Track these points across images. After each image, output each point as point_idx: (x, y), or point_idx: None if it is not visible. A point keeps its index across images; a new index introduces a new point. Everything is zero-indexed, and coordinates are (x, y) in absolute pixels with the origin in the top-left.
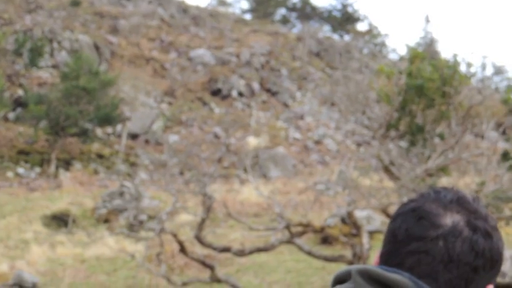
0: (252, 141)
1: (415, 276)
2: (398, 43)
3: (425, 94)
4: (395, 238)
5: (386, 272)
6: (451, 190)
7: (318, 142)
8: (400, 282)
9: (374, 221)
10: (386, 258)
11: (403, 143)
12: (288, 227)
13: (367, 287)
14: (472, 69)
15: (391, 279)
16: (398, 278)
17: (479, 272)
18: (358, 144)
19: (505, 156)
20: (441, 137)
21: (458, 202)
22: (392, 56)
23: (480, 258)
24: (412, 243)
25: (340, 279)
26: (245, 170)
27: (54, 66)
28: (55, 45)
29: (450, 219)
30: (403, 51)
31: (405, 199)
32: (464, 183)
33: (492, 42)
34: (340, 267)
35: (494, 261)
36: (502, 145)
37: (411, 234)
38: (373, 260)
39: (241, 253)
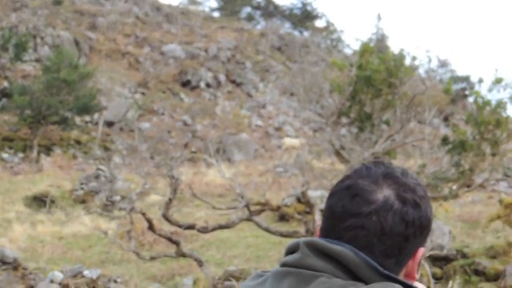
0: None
1: (344, 241)
2: (353, 38)
3: (373, 85)
4: (333, 214)
5: (331, 243)
6: (381, 165)
7: (278, 129)
8: (342, 252)
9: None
10: (327, 233)
11: (353, 129)
12: (247, 206)
13: (312, 256)
14: (416, 62)
15: (334, 249)
16: (341, 248)
17: (410, 240)
18: (314, 131)
19: (444, 140)
20: (387, 123)
21: (388, 176)
22: (347, 51)
23: (410, 227)
24: (349, 219)
25: (291, 250)
26: (210, 155)
27: (38, 60)
28: (38, 40)
29: (381, 194)
30: (356, 46)
31: None
32: (408, 165)
33: (438, 38)
34: None
35: (424, 227)
36: (443, 130)
37: (347, 211)
38: None
39: (204, 230)
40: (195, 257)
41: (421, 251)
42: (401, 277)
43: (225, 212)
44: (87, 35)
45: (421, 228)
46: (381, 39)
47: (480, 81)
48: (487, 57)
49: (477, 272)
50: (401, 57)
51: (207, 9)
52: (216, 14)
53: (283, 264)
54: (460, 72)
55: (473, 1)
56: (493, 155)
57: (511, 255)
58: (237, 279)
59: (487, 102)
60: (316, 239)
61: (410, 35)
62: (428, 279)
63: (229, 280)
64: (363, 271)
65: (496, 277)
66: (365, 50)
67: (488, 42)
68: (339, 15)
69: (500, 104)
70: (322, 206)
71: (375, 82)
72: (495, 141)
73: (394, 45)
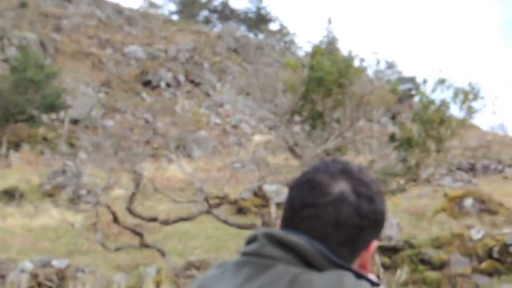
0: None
1: (301, 231)
2: (305, 41)
3: (325, 85)
4: (292, 206)
5: (287, 234)
6: (339, 162)
7: (235, 126)
8: (297, 242)
9: (282, 194)
10: (286, 224)
11: (306, 127)
12: (207, 199)
13: (270, 246)
14: (365, 64)
15: (290, 240)
16: (296, 239)
17: (364, 232)
18: (270, 128)
19: (392, 137)
20: (338, 121)
21: (345, 172)
22: (300, 52)
23: (365, 219)
24: (306, 210)
25: (250, 240)
26: (171, 151)
27: (5, 61)
28: (5, 42)
29: (337, 187)
30: (308, 48)
31: None
32: (358, 161)
33: (385, 41)
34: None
35: (378, 221)
36: (391, 128)
37: (305, 202)
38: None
39: (166, 222)
40: (158, 247)
41: (375, 244)
42: (355, 267)
43: (185, 205)
44: (52, 37)
45: (375, 221)
46: (331, 42)
47: (425, 81)
48: (431, 59)
49: (423, 262)
50: (350, 59)
51: (166, 13)
52: (175, 17)
53: (243, 254)
54: (406, 73)
55: (417, 7)
56: (438, 151)
57: (455, 245)
58: (198, 268)
59: (432, 102)
60: (274, 230)
61: (359, 38)
62: (377, 268)
63: (190, 269)
64: (318, 260)
65: (441, 266)
66: (316, 52)
67: (432, 46)
68: (291, 18)
69: (444, 103)
70: (278, 199)
71: (326, 82)
72: (439, 138)
73: (343, 48)
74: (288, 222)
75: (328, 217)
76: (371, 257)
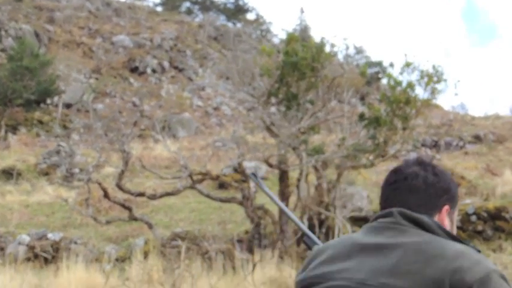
0: None
1: (392, 204)
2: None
3: (299, 69)
4: (382, 190)
5: (412, 213)
6: (414, 157)
7: (216, 108)
8: (423, 218)
9: (260, 170)
10: (384, 203)
11: (281, 108)
12: (190, 175)
13: (402, 220)
14: (335, 49)
15: (416, 216)
16: (421, 216)
17: (432, 196)
18: (248, 110)
19: (361, 117)
20: (311, 102)
21: (417, 161)
22: (275, 40)
23: (430, 186)
24: (391, 186)
25: (384, 215)
26: (157, 132)
27: (3, 50)
28: (3, 33)
29: (411, 169)
30: (283, 36)
31: (283, 151)
32: (331, 139)
33: (354, 28)
34: (232, 206)
35: (444, 189)
36: (360, 108)
37: (389, 182)
38: (258, 201)
39: (153, 197)
40: (146, 220)
41: (446, 208)
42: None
43: (171, 181)
44: (46, 28)
45: (441, 189)
46: (304, 30)
47: (391, 65)
48: (397, 45)
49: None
50: (322, 44)
51: (151, 4)
52: (159, 8)
53: (379, 223)
54: (374, 58)
55: None
56: (404, 129)
57: None
58: (183, 239)
59: (399, 83)
60: (405, 210)
61: (330, 25)
62: None
63: (176, 240)
64: (438, 231)
65: None
66: (291, 38)
67: (397, 32)
68: (267, 8)
69: (410, 85)
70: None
71: (300, 66)
72: (405, 117)
73: (316, 35)
74: (381, 201)
75: (404, 187)
76: (447, 221)
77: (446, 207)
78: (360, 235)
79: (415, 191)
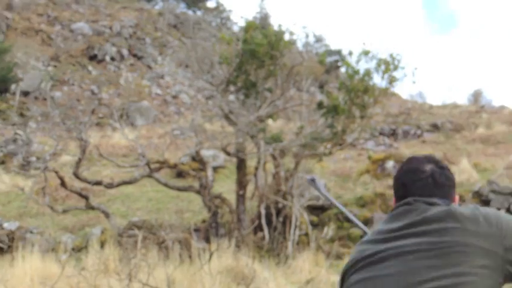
0: None
1: (420, 195)
2: (240, 17)
3: (257, 57)
4: (405, 184)
5: (429, 198)
6: (421, 155)
7: (175, 97)
8: (434, 200)
9: (218, 158)
10: (403, 195)
11: (240, 96)
12: (148, 164)
13: (420, 204)
14: (294, 37)
15: (430, 200)
16: (433, 199)
17: (450, 188)
18: (207, 98)
19: (319, 105)
20: (270, 90)
21: (426, 159)
22: (235, 28)
23: (449, 181)
24: (416, 183)
25: (402, 205)
26: (115, 120)
27: None
28: None
29: (427, 167)
30: (243, 24)
31: (240, 140)
32: (289, 127)
33: (313, 16)
34: (190, 195)
35: (454, 183)
36: (319, 97)
37: (413, 179)
38: (216, 189)
39: (110, 186)
40: (102, 209)
41: (457, 198)
42: None
43: (128, 170)
44: (4, 15)
45: (454, 183)
46: (264, 18)
47: (350, 53)
48: (357, 33)
49: (348, 219)
50: (281, 32)
51: None
52: None
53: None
54: (333, 46)
55: None
56: (362, 117)
57: (377, 204)
58: (140, 228)
59: (357, 72)
60: (417, 197)
61: (290, 13)
62: (306, 226)
63: (133, 229)
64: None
65: (365, 223)
66: (249, 26)
67: (357, 21)
68: None
69: (368, 73)
70: (214, 163)
71: (259, 54)
72: (363, 105)
73: (276, 23)
74: (405, 194)
75: (432, 183)
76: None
77: (456, 196)
78: (386, 223)
79: (440, 186)
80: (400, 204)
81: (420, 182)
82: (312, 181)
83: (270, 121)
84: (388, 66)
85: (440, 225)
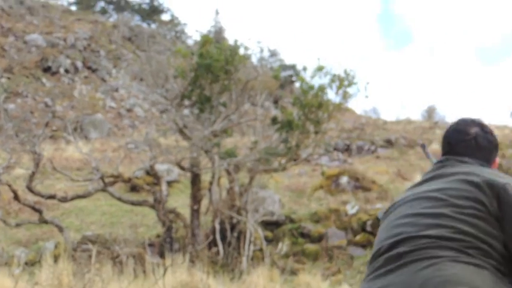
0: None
1: (460, 155)
2: (194, 31)
3: (212, 71)
4: (449, 143)
5: (462, 157)
6: (468, 118)
7: (129, 110)
8: (466, 159)
9: (173, 172)
10: (447, 153)
11: (195, 110)
12: (102, 178)
13: (453, 161)
14: (249, 52)
15: (462, 159)
16: (465, 158)
17: (492, 151)
18: (161, 112)
19: (274, 120)
20: (224, 105)
21: (472, 122)
22: (189, 41)
23: (491, 144)
24: (460, 144)
25: (438, 162)
26: (69, 133)
27: None
28: None
29: (473, 130)
30: (197, 37)
31: (195, 154)
32: (244, 142)
33: (269, 31)
34: (144, 209)
35: (496, 146)
36: (273, 112)
37: (457, 139)
38: (170, 204)
39: (64, 199)
40: (56, 223)
41: (497, 160)
42: None
43: (82, 184)
44: None
45: (495, 146)
46: (219, 32)
47: (304, 69)
48: (312, 48)
49: (303, 235)
50: (236, 47)
51: (65, 3)
52: (73, 8)
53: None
54: (288, 61)
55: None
56: (316, 132)
57: (332, 220)
58: (93, 242)
59: (311, 87)
60: (453, 156)
61: (245, 28)
62: (261, 241)
63: (86, 244)
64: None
65: (319, 239)
66: (205, 40)
67: (313, 35)
68: (182, 9)
69: (321, 89)
70: (169, 178)
71: (214, 69)
72: (317, 121)
73: (231, 37)
74: (449, 151)
75: (474, 145)
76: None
77: (497, 159)
78: (422, 177)
79: (482, 149)
80: (437, 162)
81: (464, 143)
82: (423, 146)
83: (225, 136)
84: (342, 81)
85: (456, 177)
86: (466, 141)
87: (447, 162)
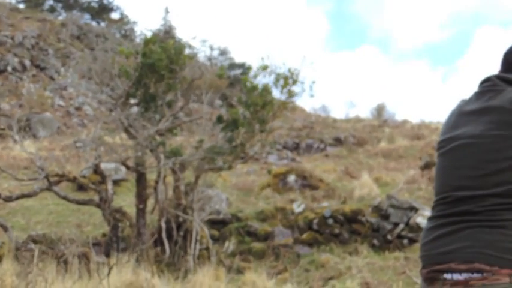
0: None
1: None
2: (144, 29)
3: (157, 71)
4: (506, 58)
5: (507, 74)
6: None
7: (78, 108)
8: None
9: (120, 171)
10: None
11: (140, 109)
12: (47, 177)
13: (498, 81)
14: (195, 51)
15: (510, 77)
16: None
17: None
18: (110, 110)
19: (219, 119)
20: (169, 104)
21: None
22: (139, 39)
23: None
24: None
25: (484, 81)
26: (16, 131)
27: None
28: None
29: None
30: (148, 35)
31: (140, 153)
32: (190, 141)
33: (221, 28)
34: (91, 208)
35: None
36: (224, 110)
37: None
38: (116, 203)
39: (9, 199)
40: (1, 223)
41: None
42: None
43: (28, 183)
44: None
45: None
46: (169, 30)
47: (248, 68)
48: (263, 46)
49: (249, 233)
50: (181, 46)
51: (13, 1)
52: (21, 6)
53: (481, 88)
54: (239, 59)
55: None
56: (262, 131)
57: (278, 218)
58: (39, 242)
59: (255, 87)
60: (499, 73)
61: (197, 25)
62: (207, 240)
63: (31, 243)
64: None
65: (266, 237)
66: (149, 40)
67: (263, 34)
68: (133, 7)
69: (266, 88)
70: (116, 176)
71: (158, 68)
72: (263, 119)
73: (181, 35)
74: (506, 69)
75: None
76: None
77: None
78: (466, 103)
79: None
80: (485, 80)
81: None
82: None
83: (170, 135)
84: (287, 80)
85: (500, 118)
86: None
87: (493, 82)
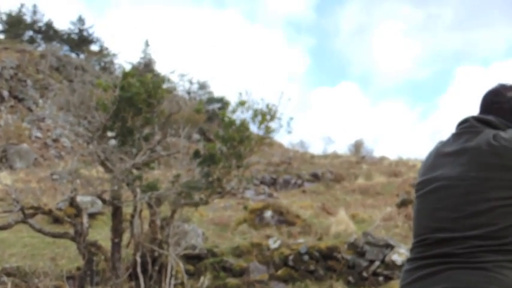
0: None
1: (493, 114)
2: (124, 61)
3: (134, 104)
4: (485, 103)
5: (484, 116)
6: (508, 84)
7: (55, 140)
8: (489, 118)
9: (96, 204)
10: (482, 112)
11: (117, 143)
12: (22, 209)
13: (476, 123)
14: (175, 84)
15: (486, 118)
16: (490, 117)
17: None
18: (88, 143)
19: (196, 154)
20: (147, 138)
21: (509, 87)
22: (118, 72)
23: None
24: (494, 105)
25: (461, 122)
26: None
27: None
28: None
29: (510, 94)
30: (127, 68)
31: (116, 187)
32: (167, 175)
33: (199, 63)
34: (66, 242)
35: None
36: (201, 145)
37: (493, 101)
38: (92, 236)
39: None
40: None
41: None
42: None
43: (3, 215)
44: None
45: None
46: (149, 63)
47: (226, 103)
48: (244, 81)
49: (225, 269)
50: (159, 80)
51: None
52: (0, 36)
53: (459, 130)
54: (217, 93)
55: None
56: (238, 167)
57: (254, 254)
58: (13, 275)
59: (233, 122)
60: (477, 114)
61: (176, 59)
62: (182, 275)
63: (4, 276)
64: (502, 127)
65: (241, 273)
66: (127, 74)
67: (245, 68)
68: (113, 40)
69: (243, 124)
70: (92, 210)
71: (136, 102)
72: (240, 155)
73: (161, 68)
74: (483, 110)
75: (507, 109)
76: None
77: None
78: (444, 144)
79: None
80: (463, 121)
81: (497, 105)
82: None
83: (147, 169)
84: (265, 116)
85: (477, 159)
86: (499, 103)
87: (470, 124)
